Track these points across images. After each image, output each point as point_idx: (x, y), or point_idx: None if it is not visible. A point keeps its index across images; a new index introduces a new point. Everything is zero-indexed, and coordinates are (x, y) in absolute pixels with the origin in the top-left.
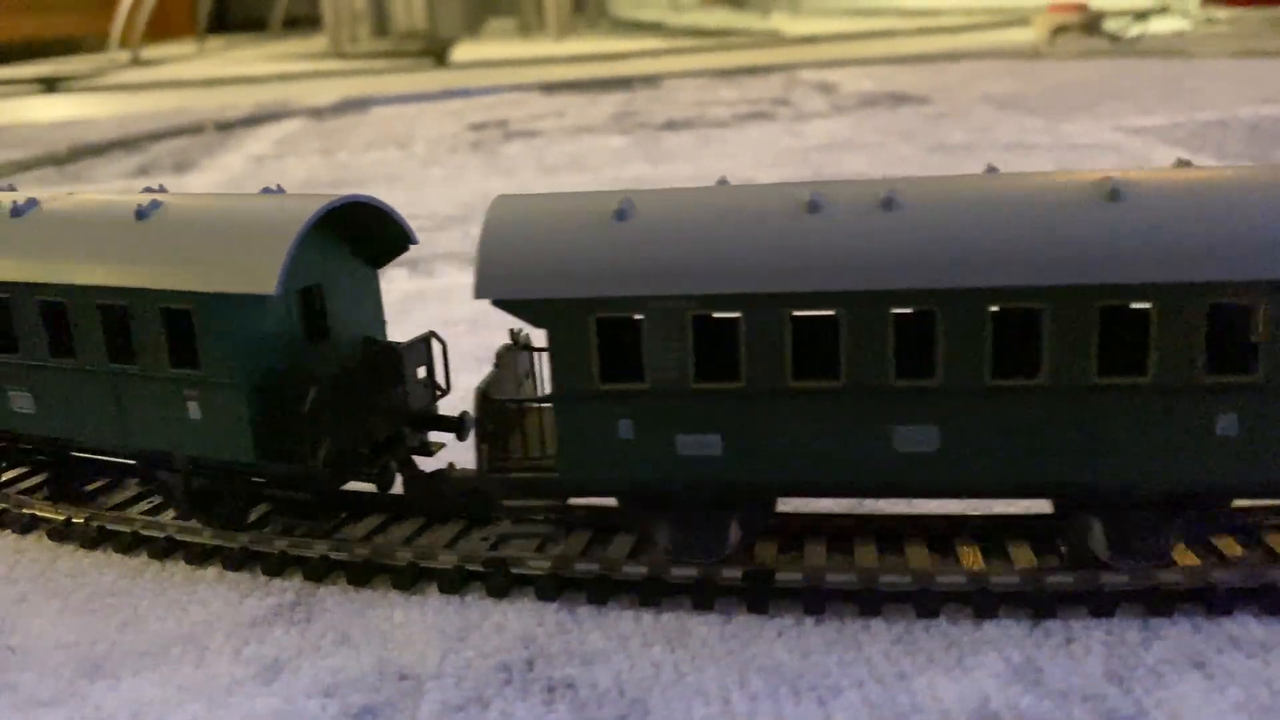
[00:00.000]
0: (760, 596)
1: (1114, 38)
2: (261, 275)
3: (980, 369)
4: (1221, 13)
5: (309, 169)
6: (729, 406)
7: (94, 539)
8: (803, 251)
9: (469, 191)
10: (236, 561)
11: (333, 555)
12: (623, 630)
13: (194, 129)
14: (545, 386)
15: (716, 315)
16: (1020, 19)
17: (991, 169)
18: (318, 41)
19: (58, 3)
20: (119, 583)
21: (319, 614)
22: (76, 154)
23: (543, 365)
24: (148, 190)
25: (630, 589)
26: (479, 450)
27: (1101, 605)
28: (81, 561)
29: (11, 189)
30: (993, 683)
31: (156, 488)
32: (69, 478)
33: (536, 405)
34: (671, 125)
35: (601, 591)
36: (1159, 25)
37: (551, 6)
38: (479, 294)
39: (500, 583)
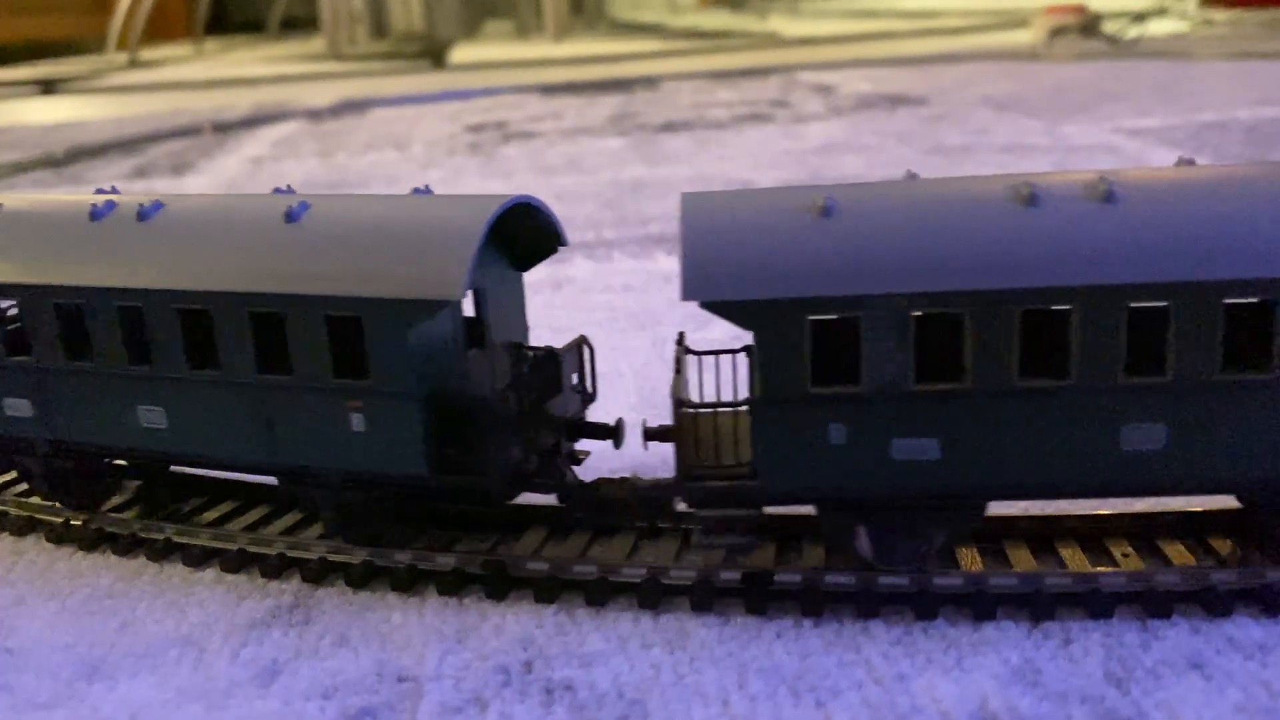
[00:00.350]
0: (759, 598)
1: (1112, 39)
2: (448, 280)
3: (1211, 364)
4: (1220, 14)
5: (307, 171)
6: (949, 408)
7: (92, 541)
8: (1029, 246)
9: (467, 193)
10: (234, 563)
11: (331, 557)
12: (621, 632)
13: (191, 131)
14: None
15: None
16: (1018, 21)
17: (1185, 161)
18: (315, 43)
19: (55, 4)
20: (117, 585)
21: (317, 616)
22: (74, 156)
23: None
24: (278, 191)
25: (629, 591)
26: (680, 458)
27: (1100, 606)
28: (79, 563)
29: (114, 190)
30: (992, 684)
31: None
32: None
33: (725, 411)
34: (670, 127)
35: (600, 593)
36: (1157, 27)
37: (549, 8)
38: (687, 296)
39: (499, 585)
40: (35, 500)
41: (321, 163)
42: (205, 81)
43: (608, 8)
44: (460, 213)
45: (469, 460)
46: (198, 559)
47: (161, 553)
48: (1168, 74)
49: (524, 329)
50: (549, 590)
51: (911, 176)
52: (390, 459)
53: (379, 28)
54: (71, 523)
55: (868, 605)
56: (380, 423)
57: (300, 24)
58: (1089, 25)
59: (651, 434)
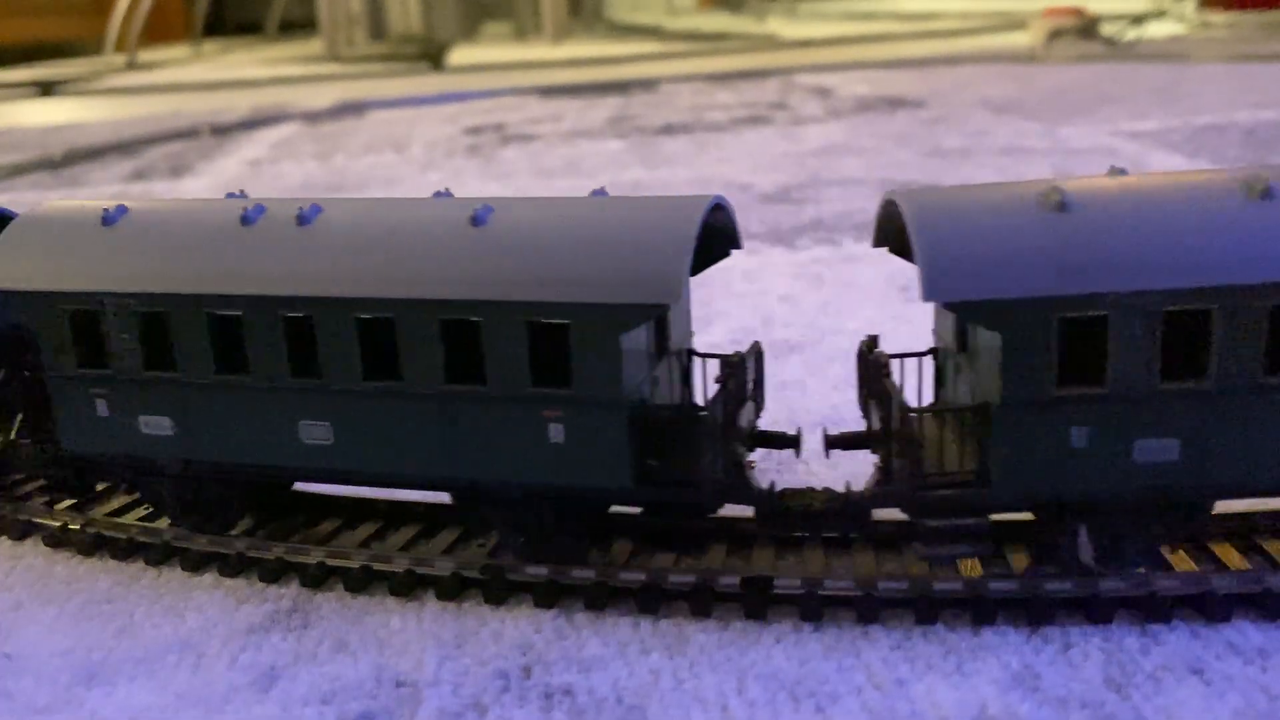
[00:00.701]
0: (758, 603)
1: (1110, 42)
2: (667, 282)
3: None
4: (1218, 17)
5: (305, 173)
6: (1192, 407)
7: (90, 546)
8: (1274, 240)
9: (466, 195)
10: (233, 568)
11: (329, 562)
12: (621, 637)
13: (190, 133)
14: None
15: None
16: (1017, 23)
17: None
18: (314, 45)
19: (53, 6)
20: (115, 589)
21: (316, 621)
22: (71, 158)
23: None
24: (437, 195)
25: (628, 596)
26: (909, 464)
27: (1099, 612)
28: (77, 568)
29: (242, 195)
30: (991, 689)
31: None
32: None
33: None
34: (668, 129)
35: (599, 598)
36: (1155, 30)
37: (548, 10)
38: (929, 296)
39: (498, 590)
40: (32, 504)
41: (320, 165)
42: (203, 83)
43: (606, 10)
44: (663, 214)
45: (673, 471)
46: (196, 563)
47: (160, 557)
48: (1166, 76)
49: (690, 334)
50: (548, 595)
51: (1119, 172)
52: (590, 471)
53: (377, 30)
54: (69, 527)
55: (867, 610)
56: (582, 433)
57: (298, 26)
58: (1087, 28)
59: (835, 442)
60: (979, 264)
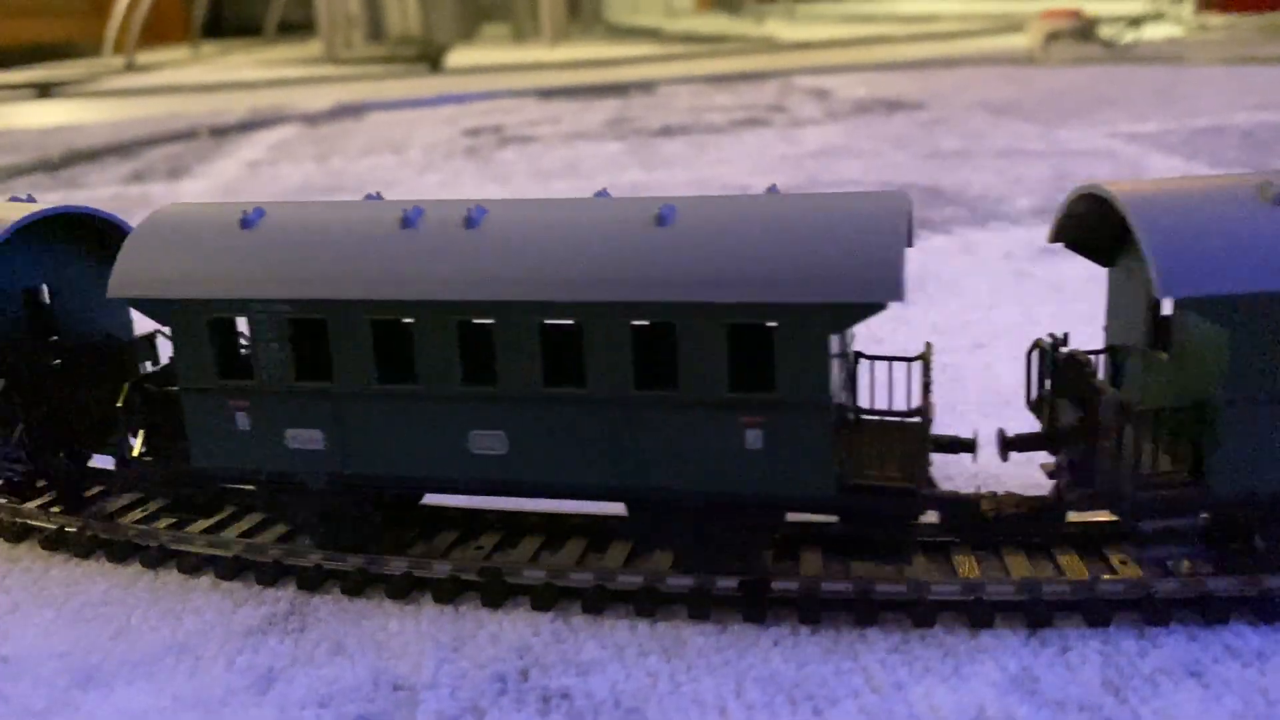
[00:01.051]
0: (756, 606)
1: (1108, 44)
2: (887, 281)
3: None
4: (1215, 19)
5: (304, 175)
6: None
7: (87, 548)
8: None
9: (464, 197)
10: (230, 571)
11: (326, 564)
12: (618, 640)
13: (188, 135)
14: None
15: None
16: (1015, 25)
17: None
18: (312, 47)
19: (52, 8)
20: (112, 592)
21: (313, 623)
22: (70, 160)
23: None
24: (599, 195)
25: (626, 598)
26: (1125, 465)
27: (1098, 614)
28: (74, 571)
29: (376, 197)
30: (989, 692)
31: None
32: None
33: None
34: (667, 131)
35: (597, 601)
36: (1153, 32)
37: (546, 12)
38: (1165, 293)
39: (495, 592)
40: (29, 506)
41: (318, 166)
42: (202, 85)
43: (604, 12)
44: (861, 210)
45: (878, 479)
46: (193, 566)
47: (157, 560)
48: (1164, 79)
49: (853, 336)
50: (545, 598)
51: None
52: (790, 479)
53: (376, 31)
54: (66, 530)
55: (865, 613)
56: (783, 440)
57: (297, 27)
58: (1085, 30)
59: (1014, 444)
60: (1213, 259)
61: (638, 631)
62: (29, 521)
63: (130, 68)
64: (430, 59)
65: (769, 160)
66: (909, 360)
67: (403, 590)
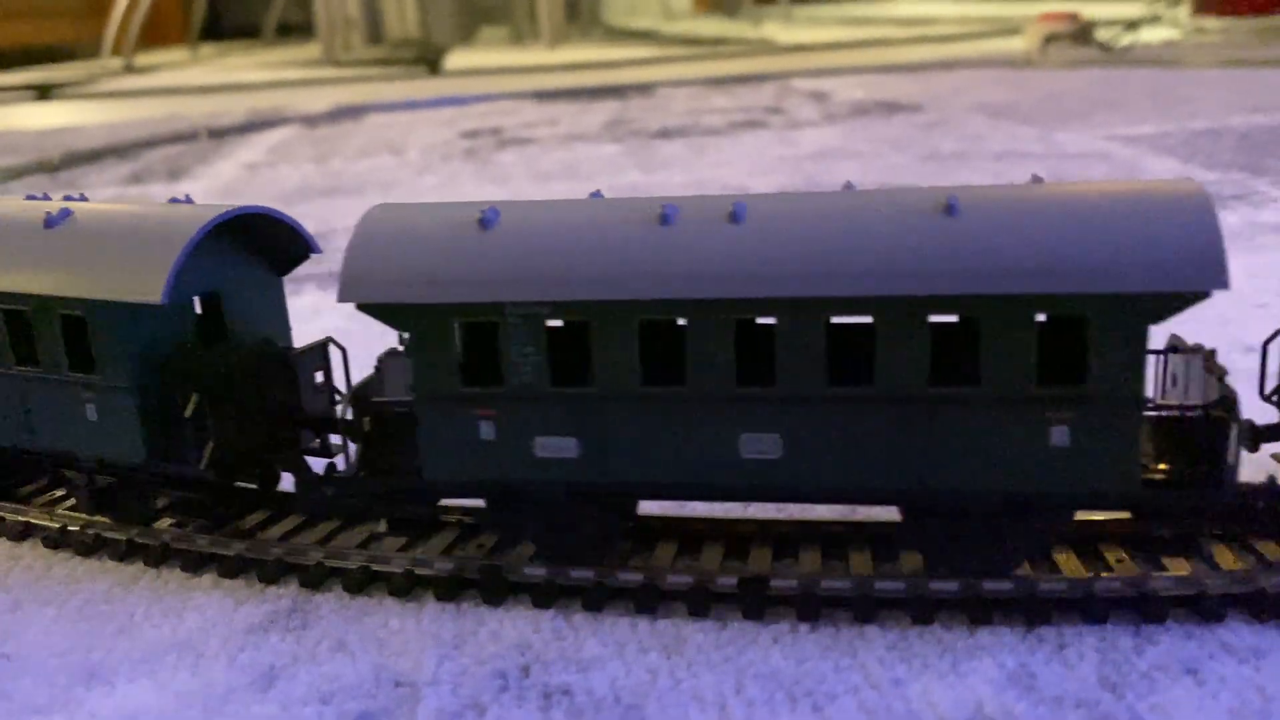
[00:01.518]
0: (755, 603)
1: (1105, 47)
2: (1211, 270)
3: None
4: (1212, 23)
5: (302, 176)
6: None
7: (89, 546)
8: None
9: (462, 199)
10: (232, 568)
11: (328, 562)
12: (619, 637)
13: (187, 136)
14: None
15: None
16: (1012, 28)
17: None
18: (311, 49)
19: (51, 9)
20: (114, 590)
21: (315, 621)
22: (69, 161)
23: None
24: (849, 187)
25: (626, 596)
26: None
27: (1094, 611)
28: (76, 569)
29: (599, 195)
30: (987, 688)
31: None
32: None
33: None
34: (665, 133)
35: (597, 598)
36: (1150, 35)
37: (544, 15)
38: None
39: (496, 590)
40: (31, 506)
41: (317, 168)
42: (201, 87)
43: (602, 14)
44: (1167, 196)
45: (1182, 473)
46: (195, 564)
47: (158, 558)
48: (1161, 82)
49: None
50: (546, 595)
51: None
52: (1094, 476)
53: (374, 34)
54: (68, 528)
55: (864, 610)
56: (1091, 435)
57: (296, 30)
58: (1082, 33)
59: (1264, 434)
60: None
61: (638, 628)
62: (31, 520)
63: (129, 69)
64: (429, 61)
65: (767, 162)
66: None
67: (404, 588)
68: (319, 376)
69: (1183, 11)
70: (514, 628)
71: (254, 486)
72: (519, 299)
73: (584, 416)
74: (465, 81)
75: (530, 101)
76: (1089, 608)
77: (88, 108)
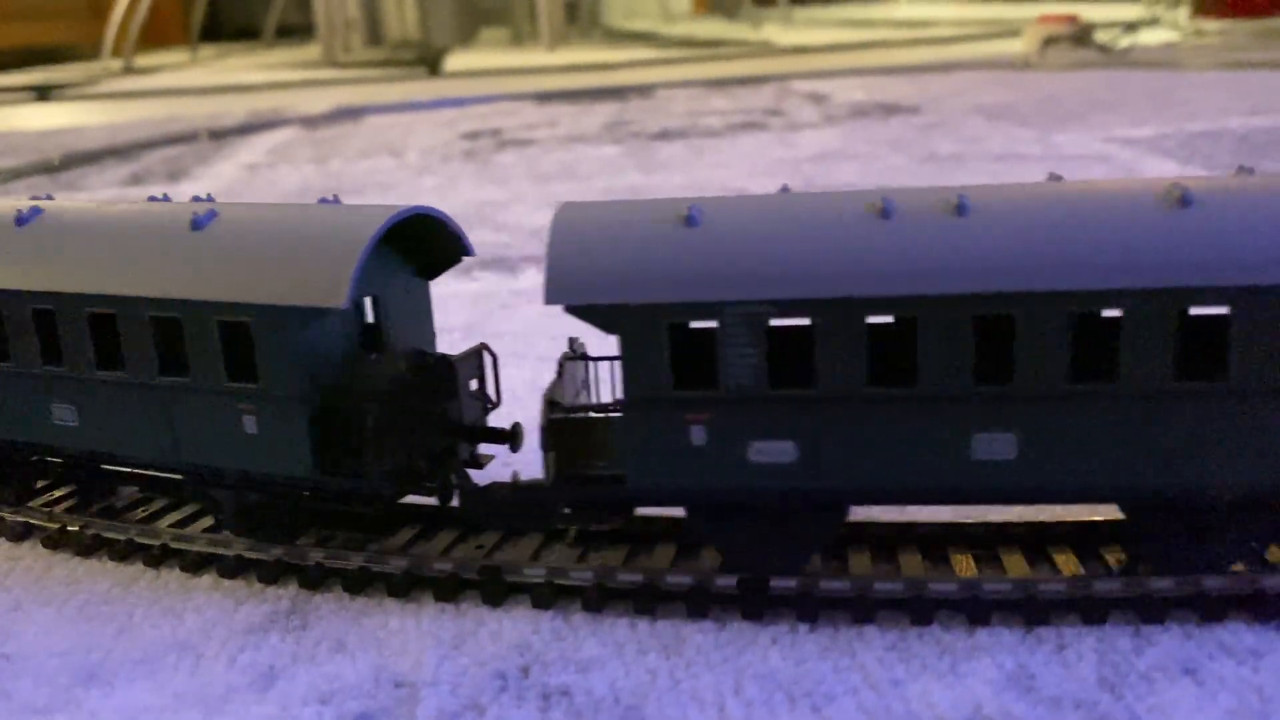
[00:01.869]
0: (755, 604)
1: (1104, 49)
2: None
3: None
4: (1211, 25)
5: (302, 177)
6: None
7: (88, 547)
8: None
9: (462, 200)
10: (231, 569)
11: (328, 563)
12: (618, 638)
13: (187, 137)
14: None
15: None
16: (1011, 30)
17: None
18: (311, 50)
19: (50, 11)
20: (113, 590)
21: (314, 621)
22: (69, 162)
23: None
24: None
25: (625, 596)
26: None
27: (1093, 612)
28: (76, 569)
29: (786, 190)
30: (986, 689)
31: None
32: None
33: None
34: (664, 135)
35: (597, 599)
36: (1149, 37)
37: (544, 16)
38: None
39: (495, 590)
40: (31, 505)
41: (317, 169)
42: (201, 88)
43: (602, 16)
44: None
45: None
46: (195, 564)
47: (158, 558)
48: (1160, 83)
49: None
50: (546, 596)
51: None
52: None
53: (374, 35)
54: (68, 528)
55: (863, 611)
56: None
57: (295, 31)
58: (1081, 35)
59: None
60: None
61: (637, 629)
62: (31, 520)
63: (129, 71)
64: (429, 63)
65: (766, 164)
66: None
67: (403, 588)
68: (474, 384)
69: (1181, 14)
70: (514, 628)
71: (433, 500)
72: (740, 298)
73: (803, 419)
74: (465, 83)
75: (530, 103)
76: (1088, 608)
77: (88, 109)
